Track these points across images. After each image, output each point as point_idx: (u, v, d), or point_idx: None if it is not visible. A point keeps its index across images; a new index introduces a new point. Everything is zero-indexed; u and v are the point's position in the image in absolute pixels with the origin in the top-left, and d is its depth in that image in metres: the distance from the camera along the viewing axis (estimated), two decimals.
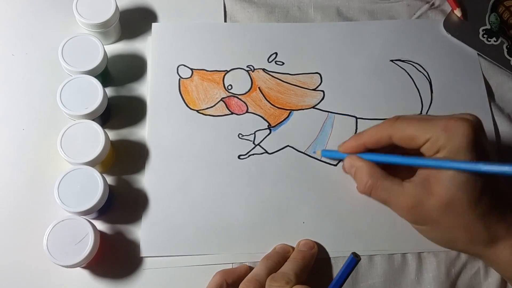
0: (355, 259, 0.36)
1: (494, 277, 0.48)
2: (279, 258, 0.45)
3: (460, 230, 0.42)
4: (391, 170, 0.44)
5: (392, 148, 0.44)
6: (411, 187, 0.42)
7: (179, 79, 0.53)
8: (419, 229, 0.44)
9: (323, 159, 0.51)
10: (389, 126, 0.43)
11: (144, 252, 0.47)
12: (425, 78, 0.55)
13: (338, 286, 0.37)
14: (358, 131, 0.52)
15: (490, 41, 0.56)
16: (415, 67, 0.55)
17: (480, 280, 0.48)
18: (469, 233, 0.42)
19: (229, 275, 0.45)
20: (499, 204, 0.42)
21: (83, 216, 0.44)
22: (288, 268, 0.44)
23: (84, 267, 0.46)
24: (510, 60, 0.55)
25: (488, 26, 0.56)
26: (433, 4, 0.59)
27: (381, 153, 0.45)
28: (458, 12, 0.56)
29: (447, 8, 0.58)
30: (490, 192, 0.41)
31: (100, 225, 0.48)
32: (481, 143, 0.41)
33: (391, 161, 0.44)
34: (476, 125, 0.41)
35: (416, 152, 0.43)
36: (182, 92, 0.53)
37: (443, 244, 0.44)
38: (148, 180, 0.49)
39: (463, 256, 0.49)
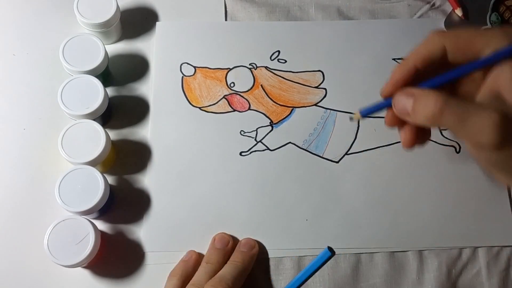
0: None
1: (495, 277, 0.48)
2: (218, 258, 0.45)
3: None
4: None
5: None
6: (486, 101, 0.34)
7: (182, 77, 0.53)
8: (491, 158, 0.34)
9: (324, 155, 0.51)
10: (441, 36, 0.37)
11: (146, 247, 0.47)
12: None
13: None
14: (359, 130, 0.52)
15: None
16: None
17: (481, 281, 0.48)
18: None
19: (187, 275, 0.45)
20: None
21: (84, 216, 0.44)
22: (227, 272, 0.44)
23: (85, 267, 0.46)
24: None
25: (489, 26, 0.56)
26: (433, 4, 0.59)
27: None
28: (459, 12, 0.56)
29: (448, 8, 0.58)
30: None
31: (101, 225, 0.48)
32: None
33: (453, 76, 0.36)
34: None
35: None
36: (185, 90, 0.53)
37: None
38: (150, 176, 0.49)
39: (464, 256, 0.49)
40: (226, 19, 0.56)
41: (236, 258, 0.45)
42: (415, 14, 0.58)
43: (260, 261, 0.47)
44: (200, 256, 0.46)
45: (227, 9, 0.57)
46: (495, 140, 0.32)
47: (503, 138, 0.32)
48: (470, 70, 0.35)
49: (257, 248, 0.47)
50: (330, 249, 0.34)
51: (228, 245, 0.47)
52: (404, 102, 0.36)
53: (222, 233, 0.47)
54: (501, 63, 0.34)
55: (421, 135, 0.39)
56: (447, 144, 0.52)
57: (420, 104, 0.35)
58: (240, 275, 0.44)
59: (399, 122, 0.39)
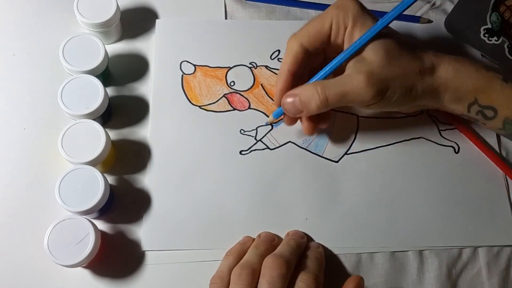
0: None
1: (495, 277, 0.48)
2: (267, 246, 0.45)
3: (409, 69, 0.44)
4: None
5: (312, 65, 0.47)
6: (352, 70, 0.44)
7: (182, 75, 0.53)
8: (387, 101, 0.44)
9: (324, 155, 0.51)
10: (294, 39, 0.45)
11: (145, 246, 0.47)
12: None
13: None
14: (359, 129, 0.52)
15: (491, 40, 0.56)
16: None
17: (482, 280, 0.48)
18: (416, 68, 0.44)
19: (241, 256, 0.44)
20: (416, 45, 0.46)
21: (84, 216, 0.44)
22: (283, 249, 0.43)
23: (85, 267, 0.46)
24: (511, 60, 0.55)
25: (489, 26, 0.56)
26: (434, 3, 0.59)
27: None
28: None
29: (448, 7, 0.58)
30: (403, 37, 0.46)
31: (101, 225, 0.48)
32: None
33: (325, 72, 0.45)
34: None
35: (330, 48, 0.46)
36: (185, 88, 0.53)
37: (410, 98, 0.45)
38: (150, 175, 0.49)
39: (464, 256, 0.49)
40: (226, 19, 0.56)
41: (289, 241, 0.45)
42: (416, 13, 0.58)
43: None
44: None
45: (227, 9, 0.57)
46: (372, 94, 0.43)
47: (376, 91, 0.43)
48: (339, 63, 0.44)
49: (305, 239, 0.47)
50: None
51: (274, 242, 0.46)
52: (291, 103, 0.44)
53: (267, 232, 0.47)
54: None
55: (319, 120, 0.48)
56: (446, 144, 0.52)
57: (306, 98, 0.44)
58: (295, 255, 0.43)
59: (296, 119, 0.48)
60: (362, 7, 0.45)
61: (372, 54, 0.43)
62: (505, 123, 0.46)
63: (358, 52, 0.44)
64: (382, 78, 0.43)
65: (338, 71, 0.45)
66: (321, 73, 0.45)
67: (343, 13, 0.44)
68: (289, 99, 0.45)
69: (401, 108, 0.47)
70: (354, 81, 0.43)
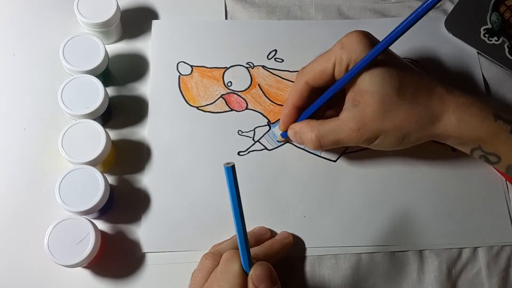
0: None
1: (495, 277, 0.48)
2: (250, 239, 0.44)
3: (405, 121, 0.44)
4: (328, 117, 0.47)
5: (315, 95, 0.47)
6: (346, 114, 0.44)
7: (179, 76, 0.53)
8: (377, 145, 0.45)
9: (322, 154, 0.51)
10: (300, 76, 0.47)
11: (144, 247, 0.47)
12: None
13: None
14: None
15: (491, 40, 0.56)
16: (415, 65, 0.55)
17: (481, 280, 0.48)
18: (413, 120, 0.44)
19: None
20: (423, 85, 0.44)
21: (84, 216, 0.44)
22: (258, 251, 0.43)
23: (85, 267, 0.46)
24: (511, 60, 0.55)
25: (489, 26, 0.56)
26: None
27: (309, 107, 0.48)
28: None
29: (449, 7, 0.58)
30: (409, 77, 0.44)
31: (101, 225, 0.48)
32: (376, 42, 0.44)
33: (319, 104, 0.46)
34: (365, 32, 0.44)
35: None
36: (182, 89, 0.53)
37: (402, 144, 0.45)
38: (148, 176, 0.49)
39: (464, 256, 0.49)
40: (226, 19, 0.56)
41: (267, 243, 0.45)
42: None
43: None
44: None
45: (227, 9, 0.57)
46: (362, 141, 0.45)
47: (365, 139, 0.44)
48: (325, 99, 0.46)
49: (291, 238, 0.47)
50: (226, 164, 0.35)
51: (265, 236, 0.47)
52: (293, 136, 0.48)
53: (262, 226, 0.47)
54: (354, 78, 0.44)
55: None
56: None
57: (303, 139, 0.47)
58: (264, 255, 0.43)
59: None
60: (368, 46, 0.43)
61: (369, 99, 0.43)
62: (508, 169, 0.46)
63: (354, 82, 0.44)
64: (372, 129, 0.44)
65: (338, 102, 0.47)
66: (313, 106, 0.47)
67: (346, 53, 0.43)
68: (291, 132, 0.48)
69: (397, 149, 0.46)
70: (345, 128, 0.44)
